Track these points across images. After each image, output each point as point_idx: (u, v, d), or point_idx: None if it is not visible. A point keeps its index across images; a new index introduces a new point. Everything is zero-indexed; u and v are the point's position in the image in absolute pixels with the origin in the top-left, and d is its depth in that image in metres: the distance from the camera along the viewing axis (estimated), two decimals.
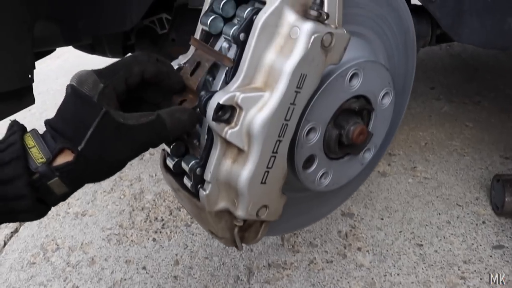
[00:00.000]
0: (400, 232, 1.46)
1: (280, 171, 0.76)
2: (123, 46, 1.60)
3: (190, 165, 0.76)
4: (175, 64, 0.81)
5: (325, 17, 0.69)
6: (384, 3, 0.94)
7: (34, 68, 1.17)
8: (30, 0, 1.09)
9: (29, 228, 1.61)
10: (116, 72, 0.67)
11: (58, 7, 1.18)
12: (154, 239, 1.50)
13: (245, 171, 0.72)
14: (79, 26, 1.24)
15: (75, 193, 0.68)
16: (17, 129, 0.63)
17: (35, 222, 1.61)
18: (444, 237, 1.42)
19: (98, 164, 0.63)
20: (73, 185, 0.64)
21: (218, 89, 0.73)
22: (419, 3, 1.21)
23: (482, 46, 1.32)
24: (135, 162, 1.95)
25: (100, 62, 2.12)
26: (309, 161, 0.86)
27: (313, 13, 0.69)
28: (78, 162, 0.61)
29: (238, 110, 0.69)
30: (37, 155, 0.61)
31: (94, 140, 0.61)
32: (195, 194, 0.78)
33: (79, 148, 0.60)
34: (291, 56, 0.68)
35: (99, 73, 0.66)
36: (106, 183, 1.82)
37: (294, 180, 0.88)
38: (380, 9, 0.93)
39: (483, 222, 1.47)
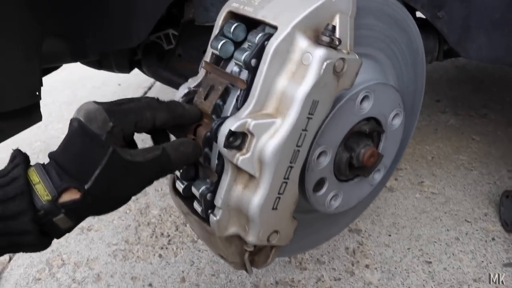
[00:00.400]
0: (408, 249, 1.44)
1: (291, 197, 0.75)
2: (129, 62, 1.60)
3: (200, 190, 0.75)
4: (184, 88, 0.80)
5: (337, 43, 0.69)
6: (394, 24, 0.94)
7: (42, 85, 1.18)
8: (39, 19, 1.09)
9: None
10: (127, 114, 0.67)
11: (66, 24, 1.18)
12: (160, 255, 1.49)
13: (256, 197, 0.71)
14: (87, 43, 1.24)
15: None
16: (20, 162, 0.62)
17: None
18: (453, 254, 1.41)
19: (104, 201, 0.64)
20: (78, 220, 0.64)
21: (228, 114, 0.73)
22: (424, 17, 1.20)
23: (490, 62, 1.32)
24: None
25: (105, 75, 2.11)
26: (319, 184, 0.86)
27: (325, 39, 0.68)
28: (84, 200, 0.60)
29: (249, 136, 0.68)
30: (42, 192, 0.60)
31: (101, 179, 0.61)
32: (205, 219, 0.77)
33: (86, 187, 0.60)
34: (303, 82, 0.67)
35: (109, 111, 0.65)
36: None
37: (304, 202, 0.87)
38: (389, 30, 0.93)
39: (493, 239, 1.45)
